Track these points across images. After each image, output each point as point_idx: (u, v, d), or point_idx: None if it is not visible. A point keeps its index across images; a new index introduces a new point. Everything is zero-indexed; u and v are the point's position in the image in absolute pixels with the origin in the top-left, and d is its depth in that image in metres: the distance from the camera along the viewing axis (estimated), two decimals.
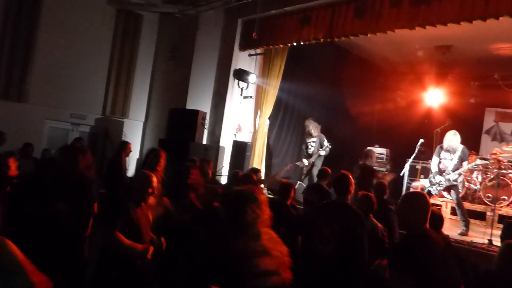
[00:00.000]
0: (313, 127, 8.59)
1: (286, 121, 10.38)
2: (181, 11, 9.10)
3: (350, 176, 3.96)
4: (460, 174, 6.69)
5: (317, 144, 8.56)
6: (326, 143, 8.58)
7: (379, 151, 10.67)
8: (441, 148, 6.90)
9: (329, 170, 6.14)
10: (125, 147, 7.13)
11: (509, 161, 8.57)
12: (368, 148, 6.69)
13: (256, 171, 6.83)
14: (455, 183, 6.67)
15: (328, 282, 3.40)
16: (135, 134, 9.92)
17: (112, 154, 7.68)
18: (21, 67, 8.16)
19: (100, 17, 9.23)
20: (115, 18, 9.50)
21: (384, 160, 10.41)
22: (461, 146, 6.69)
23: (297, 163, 8.83)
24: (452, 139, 6.71)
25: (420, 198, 2.89)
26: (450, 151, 6.69)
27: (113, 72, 9.53)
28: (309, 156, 8.56)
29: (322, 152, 8.45)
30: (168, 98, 9.56)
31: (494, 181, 8.01)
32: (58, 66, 8.60)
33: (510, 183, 8.26)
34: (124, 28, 9.61)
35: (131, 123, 9.88)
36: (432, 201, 7.56)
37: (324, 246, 3.48)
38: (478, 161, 6.91)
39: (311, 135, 8.58)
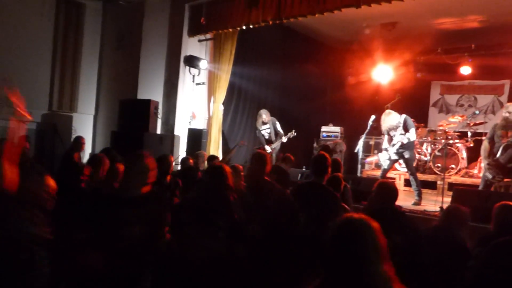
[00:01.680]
0: (265, 114, 8.76)
1: (240, 106, 10.35)
2: None
3: (328, 156, 4.03)
4: (405, 146, 6.81)
5: (272, 129, 8.78)
6: (278, 125, 8.81)
7: (333, 129, 10.91)
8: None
9: (292, 157, 6.28)
10: (79, 143, 6.92)
11: (455, 131, 8.98)
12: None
13: (214, 158, 6.82)
14: (406, 155, 6.87)
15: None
16: (85, 128, 9.59)
17: (63, 151, 7.41)
18: None
19: (39, 8, 8.77)
20: (55, 8, 9.05)
21: (338, 138, 10.64)
22: (403, 117, 6.89)
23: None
24: (388, 119, 6.93)
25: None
26: (393, 129, 6.90)
27: (57, 65, 9.12)
28: (270, 142, 8.73)
29: (285, 139, 8.64)
30: (118, 89, 9.29)
31: (442, 151, 8.37)
32: None
33: (457, 152, 8.67)
34: (65, 18, 9.19)
35: (80, 117, 9.54)
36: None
37: (303, 228, 3.49)
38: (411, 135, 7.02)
39: (264, 123, 8.76)
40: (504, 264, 2.47)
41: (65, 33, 9.21)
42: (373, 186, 3.79)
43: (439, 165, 8.64)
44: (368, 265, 1.62)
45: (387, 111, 7.21)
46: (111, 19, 9.66)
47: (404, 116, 6.93)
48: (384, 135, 7.32)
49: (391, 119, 6.90)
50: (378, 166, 9.29)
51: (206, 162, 6.44)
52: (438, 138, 9.07)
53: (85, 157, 9.07)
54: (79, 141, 7.01)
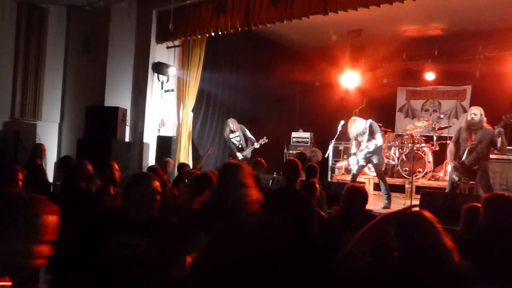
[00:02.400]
0: (232, 123, 8.75)
1: (210, 112, 10.29)
2: (90, 3, 8.59)
3: (298, 161, 4.04)
4: (373, 151, 6.97)
5: (242, 136, 8.79)
6: (248, 132, 8.82)
7: (303, 135, 10.99)
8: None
9: (263, 161, 6.27)
10: (39, 150, 6.72)
11: (421, 136, 9.20)
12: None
13: (184, 165, 6.75)
14: (374, 160, 7.00)
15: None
16: (50, 136, 9.29)
17: (25, 159, 7.15)
18: None
19: None
20: (16, 12, 8.76)
21: (308, 144, 10.73)
22: (368, 122, 7.05)
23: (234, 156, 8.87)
24: (354, 126, 7.08)
25: None
26: (360, 134, 7.04)
27: (19, 71, 8.80)
28: (240, 150, 8.72)
29: (257, 145, 8.64)
30: (84, 95, 9.05)
31: (409, 155, 8.56)
32: None
33: (423, 156, 8.88)
34: (27, 22, 8.88)
35: (44, 125, 9.23)
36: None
37: (276, 233, 3.45)
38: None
39: (232, 131, 8.75)
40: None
41: (27, 38, 8.91)
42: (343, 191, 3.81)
43: (406, 168, 8.82)
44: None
45: (353, 118, 7.35)
46: (76, 24, 9.42)
47: (369, 121, 7.06)
48: (352, 140, 7.44)
49: (357, 125, 7.03)
50: (348, 171, 9.40)
51: (175, 170, 6.37)
52: (405, 142, 9.28)
53: (49, 164, 8.83)
54: (40, 148, 6.89)
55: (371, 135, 6.93)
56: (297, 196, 3.72)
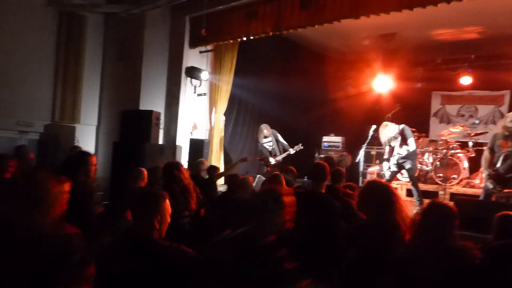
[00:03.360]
0: (266, 129, 8.83)
1: (241, 116, 10.41)
2: (126, 11, 8.89)
3: (326, 165, 4.08)
4: (406, 157, 6.89)
5: (274, 142, 8.86)
6: (280, 137, 8.88)
7: (334, 139, 10.93)
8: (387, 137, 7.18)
9: (294, 169, 6.31)
10: (75, 152, 6.89)
11: (456, 141, 8.98)
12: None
13: (214, 168, 6.86)
14: (408, 165, 6.90)
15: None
16: (88, 139, 9.63)
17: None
18: None
19: (41, 20, 8.86)
20: (57, 21, 9.15)
21: (340, 148, 10.66)
22: (401, 127, 6.95)
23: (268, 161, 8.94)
24: (385, 132, 7.00)
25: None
26: (391, 139, 6.96)
27: (59, 77, 9.18)
28: (272, 155, 8.79)
29: (292, 151, 8.68)
30: (120, 100, 9.33)
31: (443, 161, 8.38)
32: None
33: (458, 162, 8.66)
34: (68, 30, 9.27)
35: (83, 128, 9.58)
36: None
37: (302, 236, 3.51)
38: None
39: (266, 136, 8.83)
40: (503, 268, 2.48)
41: (67, 45, 9.29)
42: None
43: (440, 175, 8.62)
44: None
45: (384, 123, 7.27)
46: (113, 31, 9.75)
47: (402, 126, 6.98)
48: (385, 146, 7.36)
49: (388, 131, 6.96)
50: (380, 176, 9.28)
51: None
52: (439, 148, 9.07)
53: None
54: (76, 150, 6.85)
55: (404, 140, 6.85)
56: (322, 200, 3.75)
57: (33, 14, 8.72)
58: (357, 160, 8.20)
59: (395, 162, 6.90)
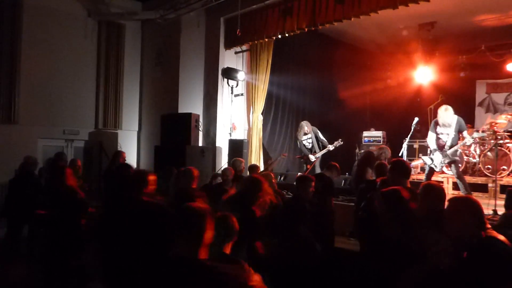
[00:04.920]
0: (306, 126, 8.75)
1: (279, 115, 10.36)
2: (162, 16, 9.05)
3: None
4: (457, 150, 6.68)
5: (314, 139, 8.76)
6: (320, 134, 8.76)
7: (375, 134, 10.70)
8: (436, 123, 6.87)
9: (337, 165, 6.20)
10: (119, 157, 6.92)
11: (505, 131, 8.59)
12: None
13: (255, 167, 6.83)
14: (455, 158, 6.66)
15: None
16: (130, 144, 9.89)
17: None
18: (7, 89, 8.11)
19: (82, 31, 9.19)
20: (97, 30, 9.45)
21: (381, 143, 10.42)
22: (455, 118, 6.67)
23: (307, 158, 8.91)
24: (444, 115, 6.69)
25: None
26: (446, 125, 6.68)
27: (101, 85, 9.49)
28: (312, 152, 8.70)
29: (332, 148, 8.57)
30: (159, 104, 9.52)
31: (492, 153, 8.02)
32: (44, 84, 8.56)
33: (508, 152, 8.27)
34: (107, 39, 9.55)
35: (125, 134, 9.84)
36: (433, 178, 7.59)
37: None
38: (476, 134, 6.89)
39: (306, 134, 8.75)
40: None
41: (107, 54, 9.57)
42: (419, 189, 3.67)
43: (489, 166, 8.27)
44: None
45: (445, 106, 6.95)
46: (150, 37, 9.95)
47: (457, 117, 6.71)
48: (430, 132, 7.07)
49: (447, 115, 6.67)
50: (423, 169, 9.00)
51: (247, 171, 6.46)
52: (487, 138, 8.70)
53: None
54: (119, 155, 6.91)
55: (457, 132, 6.59)
56: (399, 196, 3.68)
57: (74, 26, 9.05)
58: (400, 154, 7.97)
59: (446, 160, 6.65)
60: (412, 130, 7.82)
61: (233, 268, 2.16)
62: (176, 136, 8.04)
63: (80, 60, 9.21)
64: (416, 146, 10.12)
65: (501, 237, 2.51)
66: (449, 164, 6.78)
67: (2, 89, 8.07)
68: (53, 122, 8.75)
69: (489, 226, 2.64)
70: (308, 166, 8.55)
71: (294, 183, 4.80)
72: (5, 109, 8.08)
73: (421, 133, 8.82)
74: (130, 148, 9.80)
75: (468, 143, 6.68)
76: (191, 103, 9.07)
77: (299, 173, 8.15)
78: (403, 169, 4.26)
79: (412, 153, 10.01)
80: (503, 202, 5.51)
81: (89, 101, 9.36)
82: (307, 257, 3.81)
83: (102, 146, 9.03)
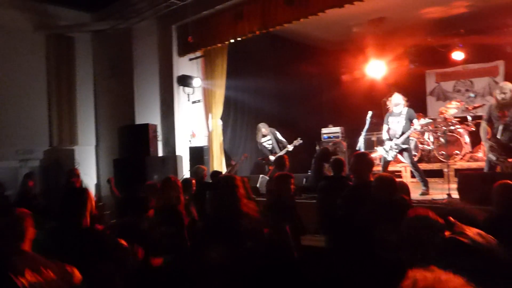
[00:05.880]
0: (264, 128, 8.85)
1: (239, 118, 10.39)
2: (113, 27, 8.92)
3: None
4: (407, 138, 6.93)
5: (273, 140, 8.88)
6: (279, 135, 8.89)
7: (333, 130, 10.89)
8: (389, 114, 7.16)
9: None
10: (73, 175, 6.72)
11: (455, 117, 8.94)
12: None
13: (217, 173, 6.84)
14: (405, 146, 6.91)
15: None
16: (88, 160, 9.65)
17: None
18: None
19: (29, 46, 8.90)
20: (45, 45, 9.17)
21: (340, 138, 10.62)
22: (406, 109, 6.95)
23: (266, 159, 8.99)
24: (394, 98, 7.02)
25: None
26: (396, 114, 6.94)
27: (53, 100, 9.21)
28: (273, 153, 8.79)
29: (291, 147, 8.68)
30: (116, 116, 9.35)
31: (443, 138, 8.34)
32: None
33: (459, 137, 8.63)
34: (56, 53, 9.29)
35: (82, 149, 9.60)
36: (391, 168, 7.82)
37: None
38: (422, 121, 7.17)
39: (264, 136, 8.84)
40: None
41: (58, 68, 9.31)
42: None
43: (443, 152, 8.60)
44: None
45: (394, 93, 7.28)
46: (101, 48, 9.76)
47: (407, 108, 6.98)
48: (384, 125, 7.32)
49: (396, 98, 6.99)
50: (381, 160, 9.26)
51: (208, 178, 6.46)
52: (439, 126, 9.04)
53: (91, 186, 9.14)
54: (73, 172, 6.78)
55: (408, 120, 6.87)
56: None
57: (20, 41, 8.76)
58: (357, 148, 8.16)
59: (396, 148, 6.89)
60: (367, 123, 8.04)
61: None
62: (135, 148, 7.92)
63: (29, 77, 8.91)
64: (374, 138, 10.37)
65: None
66: (400, 152, 7.03)
67: None
68: (5, 143, 8.43)
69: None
70: (270, 168, 8.63)
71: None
72: None
73: (377, 125, 9.06)
74: (89, 163, 9.58)
75: (417, 129, 6.95)
76: (149, 113, 8.96)
77: (261, 175, 8.21)
78: (366, 162, 4.36)
79: (370, 146, 10.22)
80: (456, 186, 5.80)
81: (42, 119, 9.07)
82: (285, 255, 3.86)
83: (59, 164, 8.78)
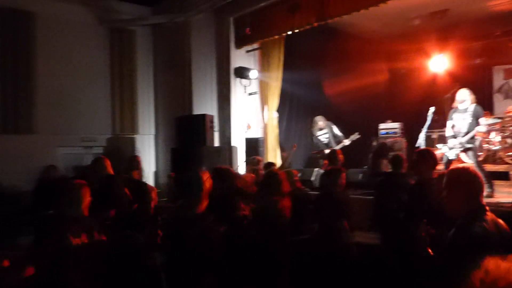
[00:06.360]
0: (321, 121, 8.74)
1: (294, 111, 10.35)
2: (172, 20, 9.12)
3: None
4: (473, 137, 6.54)
5: (330, 134, 8.77)
6: (336, 129, 8.75)
7: (392, 125, 10.57)
8: (454, 110, 6.81)
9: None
10: (135, 162, 6.77)
11: None
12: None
13: (271, 164, 6.84)
14: (470, 145, 6.55)
15: None
16: (148, 148, 9.98)
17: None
18: (25, 100, 8.25)
19: (95, 39, 9.30)
20: (109, 38, 9.54)
21: (399, 134, 10.30)
22: (473, 105, 6.57)
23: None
24: (460, 94, 6.64)
25: None
26: (461, 111, 6.59)
27: (116, 91, 9.58)
28: (328, 147, 8.70)
29: (348, 142, 8.56)
30: (174, 107, 9.57)
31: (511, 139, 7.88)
32: (61, 93, 8.68)
33: None
34: (119, 45, 9.64)
35: (142, 138, 9.93)
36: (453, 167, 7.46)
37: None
38: (489, 120, 6.76)
39: (321, 129, 8.74)
40: None
41: (120, 60, 9.67)
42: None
43: (510, 153, 8.12)
44: None
45: (462, 89, 6.89)
46: (161, 41, 10.03)
47: (474, 105, 6.60)
48: (448, 121, 6.99)
49: (462, 94, 6.62)
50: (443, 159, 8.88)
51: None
52: (506, 125, 8.53)
53: (149, 176, 9.46)
54: (135, 160, 6.82)
55: (474, 118, 6.49)
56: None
57: (87, 35, 9.16)
58: (417, 145, 7.87)
59: (459, 147, 6.55)
60: (429, 120, 7.72)
61: None
62: (191, 138, 8.09)
63: (94, 68, 9.32)
64: (435, 136, 9.97)
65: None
66: (464, 151, 6.67)
67: (21, 100, 8.23)
68: (71, 131, 8.88)
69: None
70: (325, 162, 8.52)
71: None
72: (25, 120, 8.24)
73: (439, 122, 8.70)
74: (148, 152, 9.90)
75: (482, 130, 6.53)
76: (205, 104, 9.12)
77: (316, 169, 8.14)
78: (430, 159, 4.19)
79: (431, 143, 9.84)
80: None
81: (105, 108, 9.47)
82: (343, 251, 3.83)
83: (120, 151, 9.13)
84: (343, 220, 4.05)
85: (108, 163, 5.43)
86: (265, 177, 4.38)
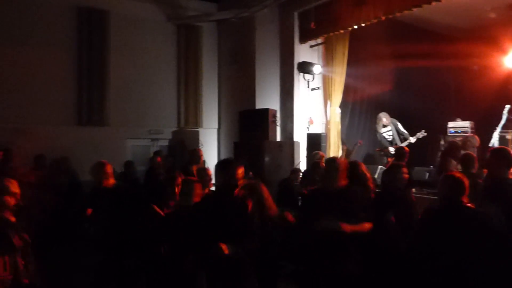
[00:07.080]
0: (385, 118, 8.54)
1: (358, 107, 10.16)
2: (237, 15, 9.25)
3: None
4: None
5: (394, 131, 8.55)
6: (401, 126, 8.52)
7: (461, 124, 10.06)
8: None
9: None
10: (196, 156, 6.60)
11: None
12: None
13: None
14: None
15: None
16: (211, 141, 10.23)
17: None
18: (99, 93, 8.74)
19: (163, 35, 9.65)
20: (176, 34, 9.87)
21: (469, 133, 9.80)
22: None
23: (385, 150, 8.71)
24: None
25: None
26: None
27: (181, 85, 9.90)
28: (393, 144, 8.50)
29: (413, 140, 8.33)
30: (237, 101, 9.73)
31: None
32: (131, 87, 9.12)
33: None
34: (185, 41, 9.94)
35: (206, 132, 10.20)
36: None
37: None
38: None
39: (385, 126, 8.54)
40: None
41: (186, 56, 9.96)
42: None
43: None
44: None
45: None
46: (225, 37, 10.21)
47: None
48: None
49: None
50: None
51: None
52: None
53: (211, 167, 9.66)
54: (196, 153, 6.68)
55: None
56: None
57: (156, 31, 9.53)
58: (490, 145, 7.47)
59: None
60: (503, 119, 7.30)
61: None
62: (254, 132, 8.18)
63: (162, 64, 9.68)
64: (509, 136, 9.36)
65: None
66: None
67: (95, 94, 8.72)
68: (139, 123, 9.29)
69: None
70: (389, 159, 8.30)
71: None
72: (98, 113, 8.73)
73: None
74: (211, 145, 10.14)
75: None
76: (268, 99, 9.17)
77: (379, 166, 7.96)
78: (505, 158, 3.96)
79: (504, 144, 9.23)
80: None
81: (171, 102, 9.81)
82: (390, 244, 3.76)
83: (185, 144, 9.42)
84: (390, 216, 3.94)
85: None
86: (327, 163, 4.33)
